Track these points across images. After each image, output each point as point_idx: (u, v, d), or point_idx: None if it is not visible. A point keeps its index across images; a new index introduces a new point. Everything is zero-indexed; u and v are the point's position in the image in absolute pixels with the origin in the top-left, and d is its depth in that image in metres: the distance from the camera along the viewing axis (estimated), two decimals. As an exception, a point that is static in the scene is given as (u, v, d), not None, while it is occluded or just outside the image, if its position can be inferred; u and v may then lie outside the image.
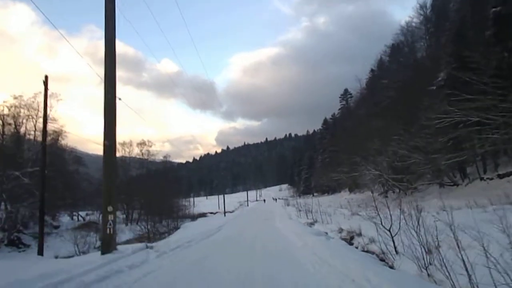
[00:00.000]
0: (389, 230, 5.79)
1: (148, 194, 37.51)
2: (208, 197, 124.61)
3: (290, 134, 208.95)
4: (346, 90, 58.39)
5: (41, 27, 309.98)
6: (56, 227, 35.77)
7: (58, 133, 35.51)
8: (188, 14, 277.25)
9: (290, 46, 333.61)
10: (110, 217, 8.05)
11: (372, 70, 50.93)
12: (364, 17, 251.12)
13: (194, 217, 39.90)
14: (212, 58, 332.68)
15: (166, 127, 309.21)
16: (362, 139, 28.99)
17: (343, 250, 7.14)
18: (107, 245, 7.94)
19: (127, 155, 50.27)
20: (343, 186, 51.03)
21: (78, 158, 47.50)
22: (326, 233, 11.06)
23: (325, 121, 69.00)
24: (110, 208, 8.10)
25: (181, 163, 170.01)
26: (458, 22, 18.78)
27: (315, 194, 64.92)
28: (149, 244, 9.66)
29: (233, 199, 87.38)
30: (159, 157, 53.45)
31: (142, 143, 50.20)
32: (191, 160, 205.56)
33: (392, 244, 5.72)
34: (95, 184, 52.45)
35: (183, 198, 73.11)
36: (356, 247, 8.01)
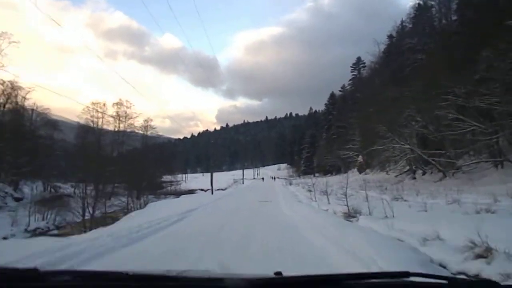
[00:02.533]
0: None
1: (126, 168, 32.18)
2: (204, 174, 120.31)
3: (291, 113, 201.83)
4: (359, 59, 51.69)
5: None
6: (18, 199, 30.61)
7: (14, 86, 29.53)
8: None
9: (294, 27, 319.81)
10: None
11: (390, 36, 44.74)
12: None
13: (179, 194, 34.68)
14: (214, 36, 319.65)
15: (167, 103, 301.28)
16: (387, 107, 23.19)
17: None
18: None
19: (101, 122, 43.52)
20: (351, 165, 45.72)
21: (53, 122, 41.12)
22: (413, 247, 4.72)
23: (332, 95, 62.67)
24: None
25: (178, 139, 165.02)
26: None
27: (316, 174, 59.74)
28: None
29: (229, 176, 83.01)
30: (139, 121, 45.86)
31: (118, 103, 42.66)
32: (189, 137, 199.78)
33: None
34: (72, 152, 46.58)
35: (178, 173, 68.46)
36: None
